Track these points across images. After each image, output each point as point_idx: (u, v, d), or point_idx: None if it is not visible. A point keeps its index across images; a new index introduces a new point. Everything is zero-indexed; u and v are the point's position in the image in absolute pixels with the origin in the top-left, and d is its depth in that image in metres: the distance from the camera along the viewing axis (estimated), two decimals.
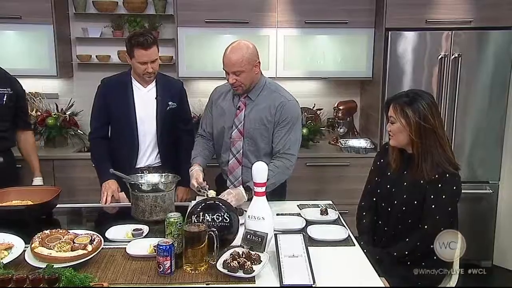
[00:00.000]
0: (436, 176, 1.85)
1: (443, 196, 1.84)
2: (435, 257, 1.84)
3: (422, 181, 1.88)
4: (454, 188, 1.86)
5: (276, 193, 2.29)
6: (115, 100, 2.47)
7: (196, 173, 2.18)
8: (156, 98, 2.49)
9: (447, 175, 1.84)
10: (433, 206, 1.84)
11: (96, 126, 2.53)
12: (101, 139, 2.53)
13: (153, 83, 2.50)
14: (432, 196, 1.85)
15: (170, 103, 2.52)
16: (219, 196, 2.02)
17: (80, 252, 1.59)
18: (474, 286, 2.53)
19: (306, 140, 3.60)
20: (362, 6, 3.44)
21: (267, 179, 1.99)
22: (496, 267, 3.45)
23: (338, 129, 3.76)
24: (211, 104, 2.44)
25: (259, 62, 2.25)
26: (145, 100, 2.48)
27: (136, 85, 2.48)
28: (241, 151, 2.32)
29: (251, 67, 2.19)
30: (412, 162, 1.92)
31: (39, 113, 3.51)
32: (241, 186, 2.21)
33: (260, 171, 1.72)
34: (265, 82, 2.32)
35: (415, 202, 1.89)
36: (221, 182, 2.47)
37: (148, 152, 2.52)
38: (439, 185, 1.84)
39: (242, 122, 2.29)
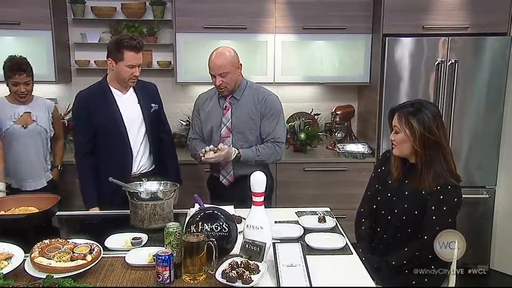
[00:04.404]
0: (438, 187, 1.85)
1: (444, 208, 1.85)
2: (433, 267, 1.86)
3: (423, 192, 1.88)
4: (455, 200, 1.86)
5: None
6: (99, 111, 2.42)
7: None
8: (139, 103, 2.50)
9: (449, 187, 1.85)
10: (433, 217, 1.85)
11: (81, 142, 2.49)
12: (88, 156, 2.47)
13: (131, 89, 2.50)
14: (433, 207, 1.86)
15: (152, 105, 2.55)
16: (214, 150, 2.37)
17: (80, 262, 1.59)
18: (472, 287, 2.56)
19: (303, 145, 3.62)
20: (360, 12, 3.45)
21: (258, 155, 2.44)
22: (493, 271, 3.47)
23: (336, 134, 3.78)
24: (198, 109, 2.63)
25: (241, 64, 2.49)
26: (129, 106, 2.48)
27: (116, 93, 2.46)
28: (231, 146, 2.47)
29: (234, 68, 2.43)
30: (414, 171, 1.93)
31: None
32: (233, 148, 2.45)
33: (258, 181, 1.73)
34: (246, 83, 2.56)
35: (416, 212, 1.90)
36: (213, 184, 2.66)
37: (139, 156, 2.52)
38: (441, 197, 1.85)
39: (230, 120, 2.50)
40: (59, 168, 3.08)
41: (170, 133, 2.76)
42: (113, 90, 2.47)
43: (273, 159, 2.56)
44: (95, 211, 2.41)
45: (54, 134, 2.96)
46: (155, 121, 2.58)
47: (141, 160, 2.53)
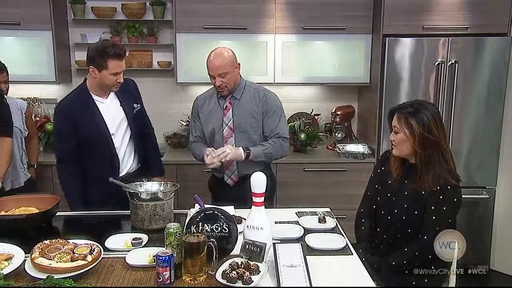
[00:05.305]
0: (438, 187, 1.86)
1: (444, 208, 1.85)
2: (433, 267, 1.86)
3: (423, 192, 1.88)
4: (455, 200, 1.87)
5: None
6: (82, 121, 2.35)
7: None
8: (121, 105, 2.45)
9: (449, 187, 1.85)
10: (433, 217, 1.85)
11: (64, 151, 2.41)
12: (71, 165, 2.40)
13: (112, 92, 2.44)
14: (433, 207, 1.86)
15: (134, 105, 2.51)
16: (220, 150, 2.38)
17: (80, 262, 1.59)
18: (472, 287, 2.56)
19: (304, 145, 3.62)
20: (360, 13, 3.46)
21: (265, 148, 2.42)
22: (493, 272, 3.47)
23: (336, 134, 3.78)
24: (197, 111, 2.61)
25: (239, 64, 2.49)
26: (112, 112, 2.43)
27: (97, 100, 2.40)
28: (234, 145, 2.47)
29: (233, 68, 2.43)
30: (413, 172, 1.93)
31: (38, 119, 3.52)
32: (240, 147, 2.43)
33: (259, 181, 1.73)
34: (245, 82, 2.56)
35: (415, 212, 1.90)
36: (216, 184, 2.65)
37: (125, 159, 2.49)
38: (440, 197, 1.85)
39: (232, 120, 2.49)
40: (35, 167, 3.04)
41: (150, 126, 2.69)
42: (95, 97, 2.39)
43: (280, 154, 2.55)
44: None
45: (28, 133, 2.91)
46: (139, 121, 2.55)
47: (127, 163, 2.50)
